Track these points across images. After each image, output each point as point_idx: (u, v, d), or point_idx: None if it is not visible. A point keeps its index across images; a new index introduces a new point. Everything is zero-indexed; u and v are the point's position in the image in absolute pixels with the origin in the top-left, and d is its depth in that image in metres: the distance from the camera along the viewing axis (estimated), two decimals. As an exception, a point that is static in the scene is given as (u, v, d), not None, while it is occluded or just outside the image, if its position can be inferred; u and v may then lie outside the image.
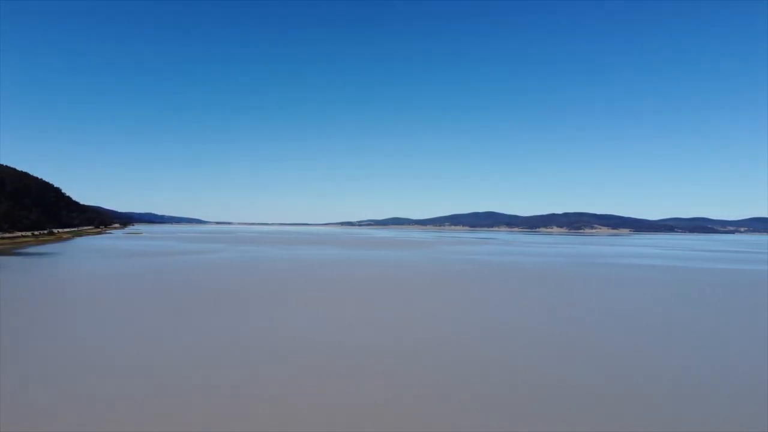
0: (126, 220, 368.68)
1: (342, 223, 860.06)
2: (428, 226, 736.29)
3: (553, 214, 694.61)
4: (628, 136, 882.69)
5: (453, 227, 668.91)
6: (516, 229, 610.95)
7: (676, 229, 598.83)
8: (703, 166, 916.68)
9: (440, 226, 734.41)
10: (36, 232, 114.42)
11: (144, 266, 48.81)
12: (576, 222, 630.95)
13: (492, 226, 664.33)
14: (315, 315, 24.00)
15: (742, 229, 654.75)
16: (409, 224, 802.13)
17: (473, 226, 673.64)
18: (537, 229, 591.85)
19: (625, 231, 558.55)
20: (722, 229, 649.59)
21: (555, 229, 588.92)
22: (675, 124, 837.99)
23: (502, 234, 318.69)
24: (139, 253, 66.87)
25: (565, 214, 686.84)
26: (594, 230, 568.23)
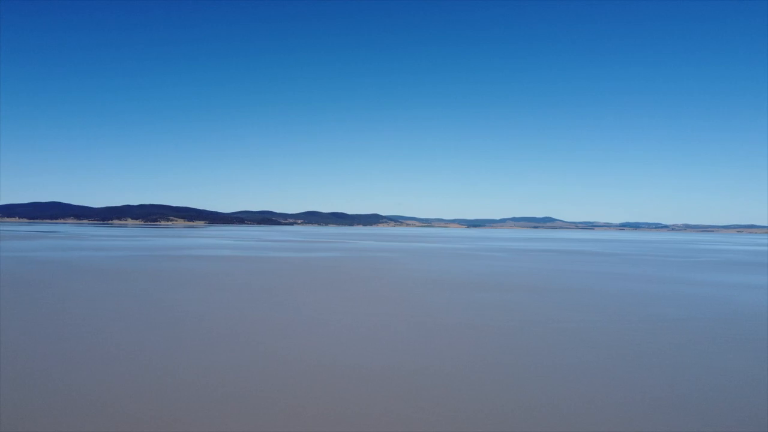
0: None
1: None
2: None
3: (128, 206, 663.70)
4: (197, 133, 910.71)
5: (6, 219, 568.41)
6: (87, 221, 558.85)
7: (246, 221, 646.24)
8: (268, 164, 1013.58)
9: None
10: None
11: None
12: (152, 214, 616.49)
13: (57, 218, 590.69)
14: None
15: (299, 221, 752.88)
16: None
17: (33, 218, 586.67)
18: (111, 221, 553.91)
19: (201, 223, 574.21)
20: (284, 221, 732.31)
21: (130, 221, 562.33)
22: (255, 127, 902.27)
23: (68, 227, 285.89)
24: None
25: (141, 206, 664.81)
26: (170, 222, 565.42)
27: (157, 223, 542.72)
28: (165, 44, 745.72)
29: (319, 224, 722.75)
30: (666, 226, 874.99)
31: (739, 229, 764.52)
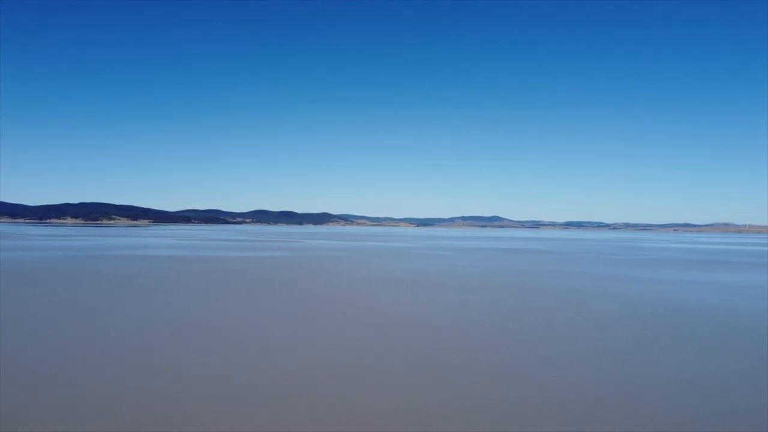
0: None
1: None
2: None
3: (68, 204, 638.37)
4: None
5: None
6: (22, 220, 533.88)
7: (193, 220, 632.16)
8: (218, 165, 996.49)
9: None
10: None
11: None
12: (94, 213, 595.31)
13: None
14: None
15: (248, 220, 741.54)
16: None
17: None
18: (49, 220, 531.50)
19: (145, 222, 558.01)
20: (232, 220, 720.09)
21: (70, 220, 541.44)
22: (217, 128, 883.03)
23: (3, 226, 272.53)
24: None
25: (82, 204, 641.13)
26: (113, 221, 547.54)
27: (99, 222, 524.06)
28: (101, 43, 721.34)
29: (268, 223, 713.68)
30: (607, 225, 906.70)
31: (675, 228, 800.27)
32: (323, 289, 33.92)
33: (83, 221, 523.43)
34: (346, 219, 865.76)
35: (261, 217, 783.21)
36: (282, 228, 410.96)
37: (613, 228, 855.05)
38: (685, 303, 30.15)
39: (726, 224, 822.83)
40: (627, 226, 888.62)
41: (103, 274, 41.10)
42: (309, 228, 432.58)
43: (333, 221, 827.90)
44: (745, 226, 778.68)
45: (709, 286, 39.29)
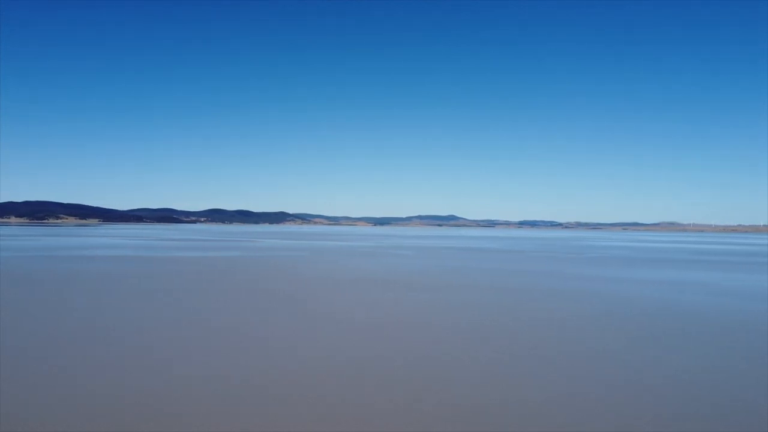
0: None
1: None
2: None
3: (12, 203, 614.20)
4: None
5: None
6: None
7: (145, 219, 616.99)
8: (171, 163, 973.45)
9: None
10: None
11: None
12: (40, 211, 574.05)
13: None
14: None
15: (203, 219, 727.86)
16: None
17: None
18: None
19: (94, 221, 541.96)
20: (187, 219, 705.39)
21: (14, 219, 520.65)
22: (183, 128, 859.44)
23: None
24: None
25: (27, 203, 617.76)
26: (60, 220, 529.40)
27: (46, 221, 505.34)
28: (51, 40, 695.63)
29: (223, 222, 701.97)
30: (560, 224, 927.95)
31: (624, 227, 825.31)
32: (318, 290, 33.49)
33: (28, 220, 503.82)
34: (303, 218, 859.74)
35: (216, 216, 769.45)
36: (239, 227, 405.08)
37: (566, 227, 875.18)
38: (674, 303, 30.47)
39: (672, 223, 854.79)
40: (579, 225, 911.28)
41: (90, 275, 39.90)
42: (267, 227, 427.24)
43: (290, 220, 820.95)
44: (689, 225, 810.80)
45: (690, 286, 39.57)
